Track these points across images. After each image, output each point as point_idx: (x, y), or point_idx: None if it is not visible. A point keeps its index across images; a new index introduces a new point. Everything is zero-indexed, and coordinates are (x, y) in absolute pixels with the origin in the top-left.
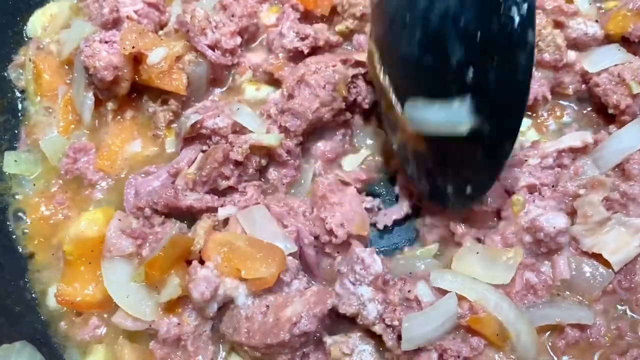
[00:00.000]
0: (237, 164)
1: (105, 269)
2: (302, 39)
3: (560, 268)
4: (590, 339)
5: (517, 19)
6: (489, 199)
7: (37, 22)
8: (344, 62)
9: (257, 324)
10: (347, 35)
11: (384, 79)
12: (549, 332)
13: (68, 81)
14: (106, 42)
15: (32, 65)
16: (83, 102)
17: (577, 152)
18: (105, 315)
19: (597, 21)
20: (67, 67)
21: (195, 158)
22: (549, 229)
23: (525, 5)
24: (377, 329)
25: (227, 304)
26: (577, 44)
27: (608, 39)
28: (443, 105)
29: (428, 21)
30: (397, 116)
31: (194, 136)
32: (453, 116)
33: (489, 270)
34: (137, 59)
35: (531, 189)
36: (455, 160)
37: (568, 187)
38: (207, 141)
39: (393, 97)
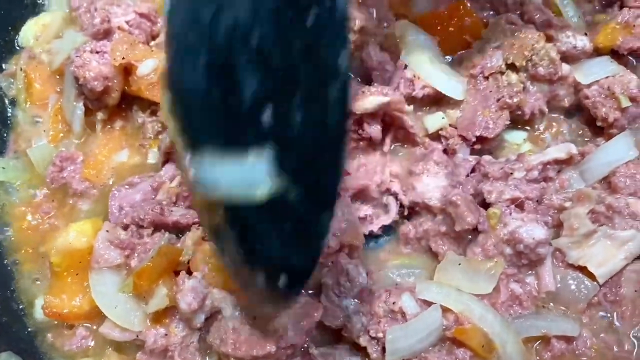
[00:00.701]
0: None
1: (93, 280)
2: None
3: (545, 280)
4: (577, 351)
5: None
6: (468, 216)
7: (29, 32)
8: None
9: (243, 336)
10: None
11: (173, 125)
12: (537, 344)
13: (59, 90)
14: (97, 52)
15: (24, 75)
16: (73, 112)
17: (562, 164)
18: (94, 327)
19: (586, 34)
20: (58, 76)
21: None
22: (529, 241)
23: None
24: (362, 341)
25: (214, 315)
26: (566, 58)
27: (597, 52)
28: (234, 160)
29: (214, 40)
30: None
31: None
32: (247, 174)
33: (470, 281)
34: (127, 70)
35: (514, 202)
36: (263, 237)
37: (554, 200)
38: None
39: (182, 149)
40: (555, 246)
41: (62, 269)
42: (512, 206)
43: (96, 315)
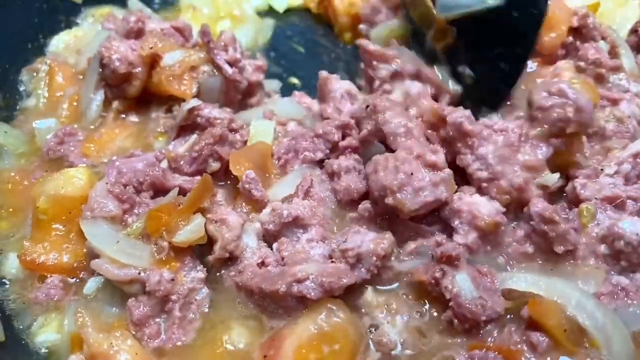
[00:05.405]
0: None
1: (85, 226)
2: None
3: None
4: None
5: None
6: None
7: (60, 40)
8: None
9: (263, 271)
10: None
11: None
12: None
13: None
14: (126, 42)
15: (47, 67)
16: (90, 101)
17: None
18: (70, 279)
19: None
20: (80, 77)
21: None
22: (631, 237)
23: None
24: None
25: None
26: None
27: None
28: None
29: None
30: (428, 11)
31: (188, 126)
32: None
33: None
34: (152, 64)
35: (612, 201)
36: (486, 39)
37: None
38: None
39: None
40: None
41: (49, 216)
42: (607, 204)
43: (77, 269)
